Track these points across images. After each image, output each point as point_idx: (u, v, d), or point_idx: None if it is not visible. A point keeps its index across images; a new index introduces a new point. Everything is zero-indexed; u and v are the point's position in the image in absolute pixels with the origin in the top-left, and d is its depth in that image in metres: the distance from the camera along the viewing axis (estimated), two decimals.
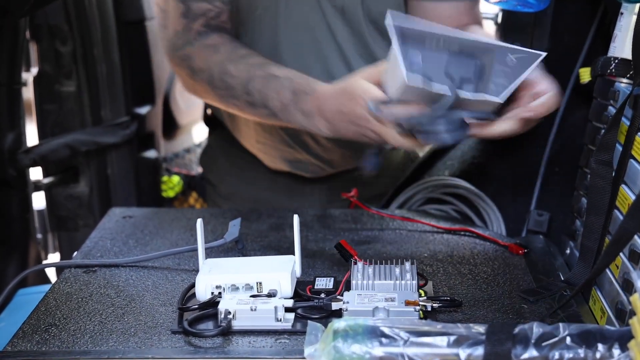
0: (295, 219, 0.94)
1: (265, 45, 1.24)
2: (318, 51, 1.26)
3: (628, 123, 0.90)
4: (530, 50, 0.91)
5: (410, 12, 1.25)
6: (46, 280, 1.52)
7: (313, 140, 1.34)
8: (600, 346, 0.72)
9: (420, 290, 0.92)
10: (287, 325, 0.87)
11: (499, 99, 0.92)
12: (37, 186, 1.58)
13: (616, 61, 0.96)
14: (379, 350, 0.74)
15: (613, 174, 0.91)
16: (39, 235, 1.60)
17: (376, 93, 0.98)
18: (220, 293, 0.91)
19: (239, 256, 1.07)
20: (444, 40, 0.92)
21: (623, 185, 0.90)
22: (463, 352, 0.74)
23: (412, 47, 0.92)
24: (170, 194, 1.69)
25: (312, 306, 0.89)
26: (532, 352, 0.73)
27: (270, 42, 1.25)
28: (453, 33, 0.93)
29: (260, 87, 1.13)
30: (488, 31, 1.19)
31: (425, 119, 0.91)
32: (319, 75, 1.23)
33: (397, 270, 0.93)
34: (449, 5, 1.21)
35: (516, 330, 0.74)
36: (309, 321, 0.81)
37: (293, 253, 0.96)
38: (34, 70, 1.59)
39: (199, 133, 1.92)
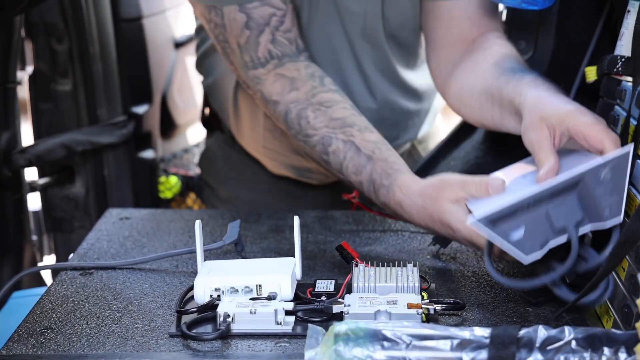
0: (296, 220, 0.93)
1: None
2: (336, 62, 1.23)
3: (634, 122, 0.89)
4: (615, 152, 0.84)
5: (427, 14, 1.21)
6: (42, 282, 1.51)
7: None
8: (606, 350, 0.73)
9: (423, 293, 0.91)
10: (288, 329, 0.86)
11: (622, 219, 0.85)
12: (33, 187, 1.57)
13: (623, 60, 0.95)
14: (380, 354, 0.74)
15: None
16: (34, 237, 1.60)
17: (481, 239, 0.90)
18: (219, 296, 0.90)
19: (239, 258, 1.06)
20: (533, 200, 0.84)
21: (630, 186, 0.89)
22: (466, 356, 0.73)
23: (508, 226, 0.85)
24: (168, 194, 1.68)
25: (312, 309, 0.88)
26: (537, 356, 0.73)
27: None
28: (533, 188, 0.85)
29: (339, 153, 1.05)
30: (508, 44, 1.13)
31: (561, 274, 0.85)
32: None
33: (399, 272, 0.92)
34: (466, 4, 1.15)
35: (521, 333, 0.74)
36: (309, 324, 0.81)
37: (293, 255, 0.95)
38: (29, 68, 1.58)
39: (198, 133, 1.91)
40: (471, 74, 1.11)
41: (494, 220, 0.85)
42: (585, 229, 0.85)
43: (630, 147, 0.84)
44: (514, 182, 0.90)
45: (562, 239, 0.85)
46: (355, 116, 1.07)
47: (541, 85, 0.97)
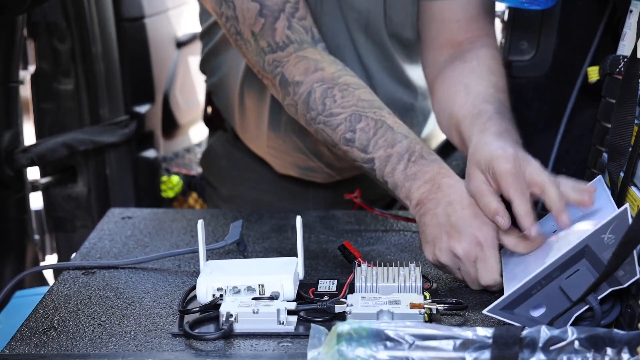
0: (298, 220, 0.93)
1: None
2: (339, 60, 1.22)
3: (637, 122, 0.89)
4: (613, 213, 0.82)
5: (421, 14, 1.21)
6: (44, 282, 1.50)
7: (328, 149, 1.32)
8: (609, 350, 0.72)
9: (425, 293, 0.91)
10: (290, 329, 0.86)
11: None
12: (35, 186, 1.57)
13: (625, 60, 0.94)
14: (383, 354, 0.74)
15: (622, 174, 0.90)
16: (37, 237, 1.59)
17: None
18: (221, 295, 0.90)
19: (241, 258, 1.06)
20: (543, 279, 0.83)
21: (632, 187, 0.89)
22: (469, 356, 0.73)
23: (526, 307, 0.84)
24: (170, 194, 1.68)
25: (315, 309, 0.88)
26: (540, 356, 0.73)
27: None
28: (541, 264, 0.84)
29: (369, 130, 1.02)
30: (491, 54, 1.12)
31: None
32: None
33: (402, 272, 0.92)
34: (456, 7, 1.15)
35: (523, 333, 0.74)
36: (312, 324, 0.81)
37: (295, 255, 0.95)
38: (32, 68, 1.58)
39: (199, 132, 1.91)
40: (445, 92, 1.11)
41: (507, 307, 0.84)
42: (604, 293, 0.83)
43: (626, 206, 0.82)
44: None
45: (584, 307, 0.84)
46: (382, 103, 1.06)
47: (490, 128, 0.98)
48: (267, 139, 1.36)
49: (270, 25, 1.09)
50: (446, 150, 1.36)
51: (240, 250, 1.08)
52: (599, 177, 0.96)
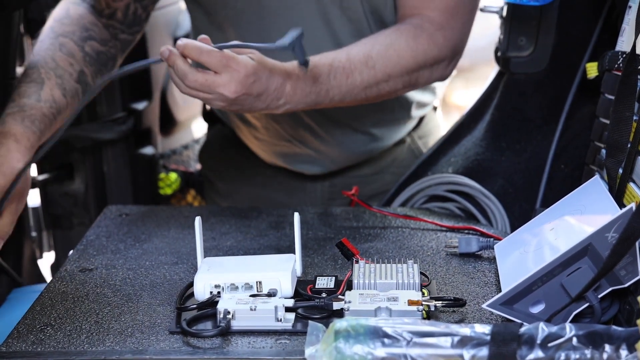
0: (296, 217, 0.93)
1: (252, 30, 1.22)
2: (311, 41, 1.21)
3: (636, 118, 0.89)
4: (618, 212, 0.82)
5: None
6: (41, 279, 1.50)
7: (310, 132, 1.32)
8: (607, 347, 0.73)
9: (424, 290, 0.91)
10: (288, 326, 0.86)
11: None
12: (32, 183, 1.56)
13: (624, 56, 0.94)
14: (381, 351, 0.74)
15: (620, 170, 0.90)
16: (34, 234, 1.59)
17: None
18: (219, 292, 0.90)
19: (239, 255, 1.06)
20: (544, 275, 0.83)
21: (631, 183, 0.89)
22: (467, 353, 0.73)
23: (526, 304, 0.84)
24: (168, 191, 1.68)
25: (313, 306, 0.88)
26: (538, 353, 0.73)
27: (257, 27, 1.22)
28: (543, 261, 0.84)
29: None
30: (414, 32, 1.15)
31: None
32: None
33: (400, 269, 0.92)
34: None
35: (522, 330, 0.74)
36: (309, 321, 0.81)
37: (293, 252, 0.95)
38: None
39: (197, 129, 1.91)
40: None
41: (507, 302, 0.84)
42: (605, 292, 0.83)
43: (632, 205, 0.82)
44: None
45: (583, 305, 0.83)
46: None
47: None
48: (254, 129, 1.36)
49: None
50: (445, 147, 1.36)
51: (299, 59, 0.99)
52: (596, 176, 0.95)
